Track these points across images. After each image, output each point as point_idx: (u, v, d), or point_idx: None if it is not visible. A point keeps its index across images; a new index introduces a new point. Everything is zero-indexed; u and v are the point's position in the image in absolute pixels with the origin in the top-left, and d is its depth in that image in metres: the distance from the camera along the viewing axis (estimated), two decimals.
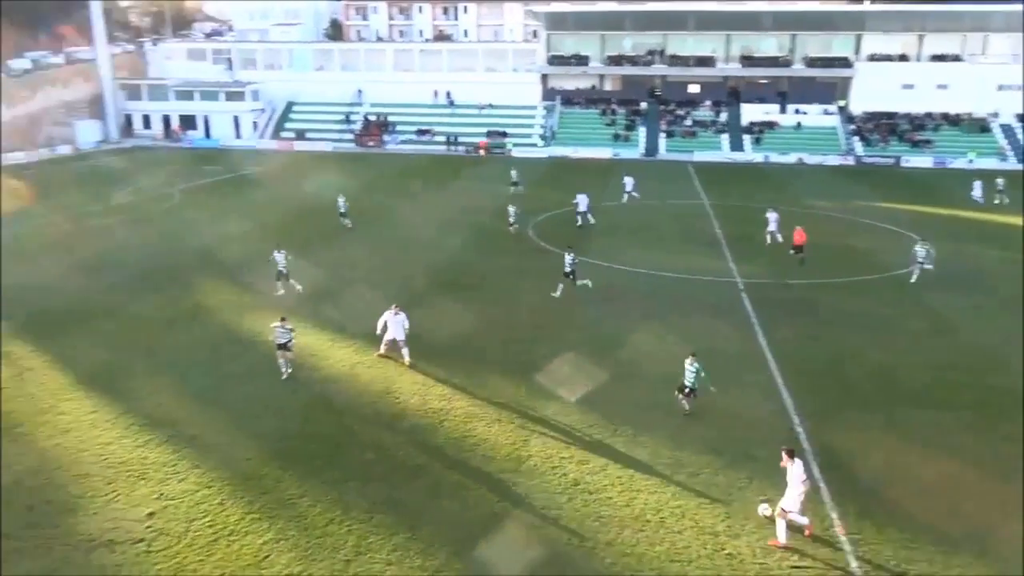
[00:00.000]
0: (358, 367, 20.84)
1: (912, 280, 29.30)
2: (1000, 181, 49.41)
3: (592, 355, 21.69)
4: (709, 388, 18.03)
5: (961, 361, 22.03)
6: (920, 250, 29.81)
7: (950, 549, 13.23)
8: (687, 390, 18.09)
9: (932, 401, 19.27)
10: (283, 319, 20.40)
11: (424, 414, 18.12)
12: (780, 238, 34.90)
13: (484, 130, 78.04)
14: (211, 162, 65.79)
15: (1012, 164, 69.32)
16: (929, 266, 29.51)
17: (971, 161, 68.19)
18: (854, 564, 12.83)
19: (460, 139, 76.77)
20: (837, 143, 73.82)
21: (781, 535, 13.35)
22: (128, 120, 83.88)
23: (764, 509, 14.14)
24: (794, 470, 13.55)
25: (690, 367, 17.94)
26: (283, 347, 20.01)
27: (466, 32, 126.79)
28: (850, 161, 70.47)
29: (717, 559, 12.94)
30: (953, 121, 74.73)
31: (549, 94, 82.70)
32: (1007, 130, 73.19)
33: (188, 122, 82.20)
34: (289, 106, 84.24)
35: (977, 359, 22.25)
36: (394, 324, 21.04)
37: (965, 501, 14.74)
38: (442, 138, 77.19)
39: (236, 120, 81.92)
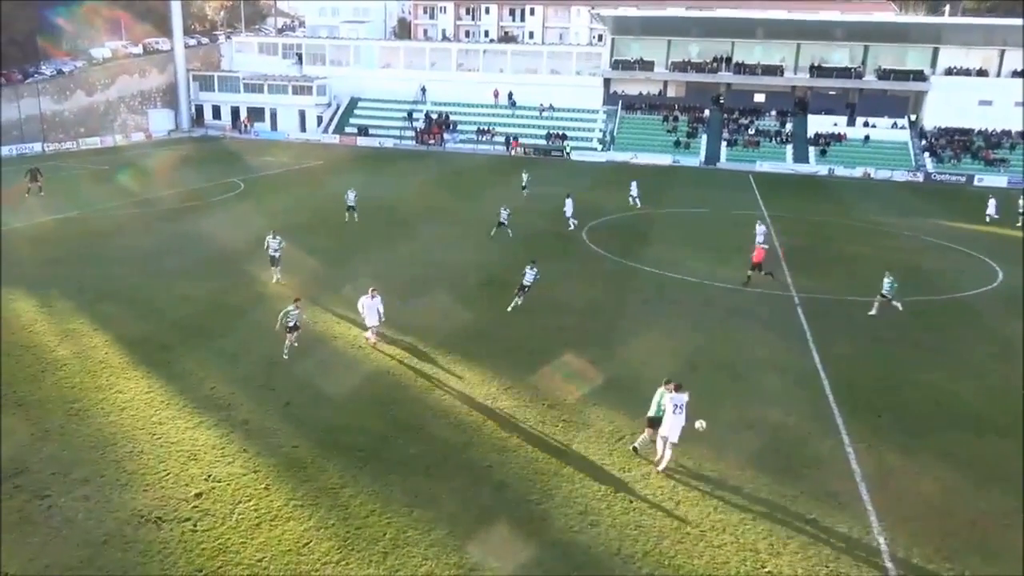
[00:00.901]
0: (407, 362, 21.08)
1: (871, 312, 26.47)
2: (1022, 201, 46.96)
3: (639, 362, 21.49)
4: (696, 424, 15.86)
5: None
6: (885, 281, 26.52)
7: None
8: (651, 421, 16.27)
9: (991, 428, 18.56)
10: (297, 300, 21.39)
11: (469, 412, 18.23)
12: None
13: (544, 132, 78.13)
14: (276, 153, 67.41)
15: None
16: (897, 304, 26.36)
17: None
18: None
19: (520, 140, 76.96)
20: (907, 158, 71.65)
21: (666, 454, 15.61)
22: (199, 111, 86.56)
23: (700, 425, 15.55)
24: (676, 400, 15.36)
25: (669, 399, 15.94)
26: (292, 329, 20.82)
27: (531, 34, 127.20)
28: (919, 178, 68.33)
29: None
30: None
31: (611, 98, 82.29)
32: None
33: (256, 114, 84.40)
34: (353, 102, 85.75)
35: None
36: (369, 308, 21.57)
37: (1020, 535, 14.15)
38: (501, 139, 77.48)
39: (302, 114, 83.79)
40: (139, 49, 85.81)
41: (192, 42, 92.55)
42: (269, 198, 46.17)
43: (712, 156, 73.63)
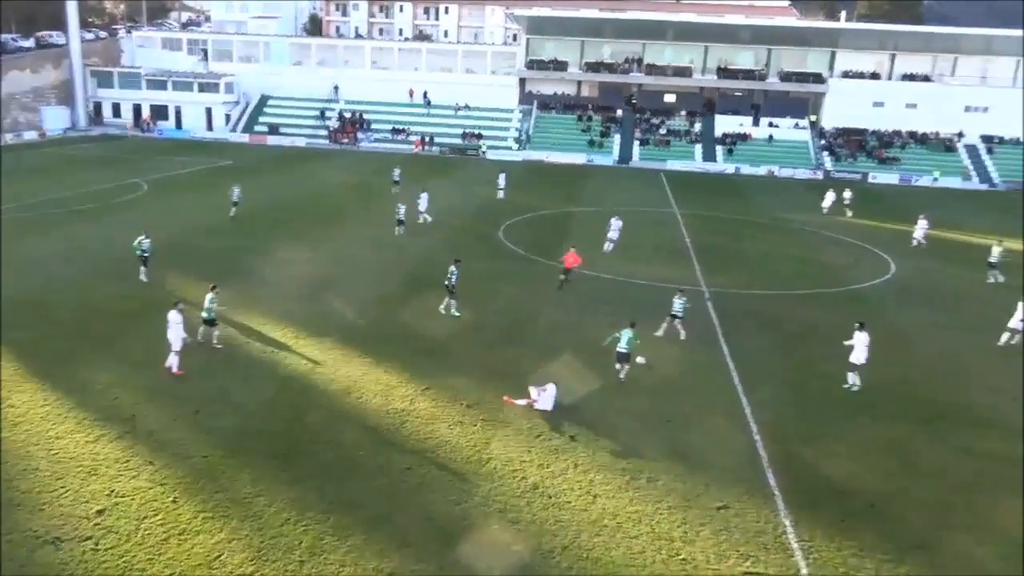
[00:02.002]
0: (321, 365, 20.68)
1: (659, 334, 24.18)
2: (847, 194, 50.15)
3: (557, 360, 21.73)
4: (636, 359, 20.55)
5: (916, 376, 22.45)
6: (677, 302, 24.16)
7: (897, 558, 13.46)
8: (621, 355, 20.28)
9: (888, 413, 19.61)
10: (214, 288, 21.13)
11: (386, 414, 18.03)
12: (611, 247, 34.81)
13: (459, 131, 78.06)
14: (182, 153, 65.00)
15: (975, 184, 70.92)
16: (680, 315, 24.02)
17: (935, 180, 69.62)
18: (805, 571, 13.01)
19: (435, 139, 76.64)
20: (808, 157, 74.92)
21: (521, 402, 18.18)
22: (97, 108, 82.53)
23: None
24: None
25: (628, 333, 20.28)
26: (210, 323, 20.82)
27: (446, 33, 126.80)
28: (819, 175, 71.54)
29: (672, 564, 13.03)
30: (920, 140, 76.27)
31: (527, 98, 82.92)
32: (971, 151, 74.82)
33: (159, 112, 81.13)
34: (264, 100, 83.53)
35: (931, 374, 22.70)
36: (173, 326, 19.31)
37: (914, 511, 15.02)
38: (416, 138, 76.96)
39: (209, 112, 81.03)
40: (31, 43, 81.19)
41: (90, 36, 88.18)
42: (175, 199, 44.46)
43: (625, 155, 75.15)
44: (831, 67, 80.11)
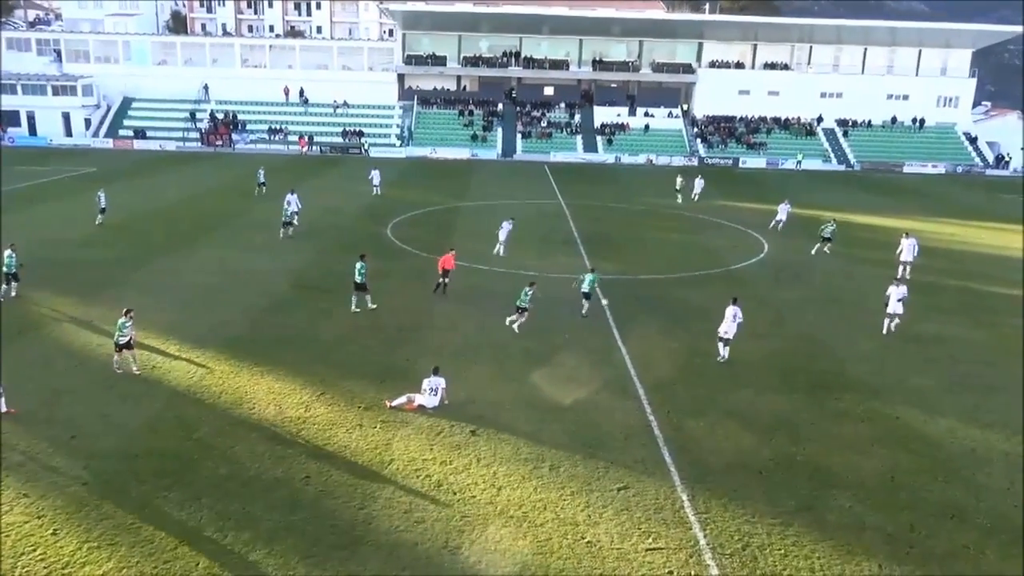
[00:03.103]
0: (208, 377, 19.81)
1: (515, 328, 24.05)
2: (679, 179, 52.37)
3: (454, 355, 21.72)
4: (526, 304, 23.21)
5: (793, 348, 23.86)
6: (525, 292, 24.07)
7: (786, 521, 14.27)
8: (584, 294, 23.84)
9: (770, 385, 20.74)
10: (129, 312, 19.62)
11: (281, 424, 17.49)
12: (502, 250, 33.92)
13: (339, 129, 76.49)
14: (38, 161, 60.48)
15: (835, 166, 75.86)
16: (528, 306, 23.76)
17: (799, 163, 73.93)
18: (703, 541, 13.58)
19: (316, 138, 74.73)
20: (682, 144, 77.93)
21: (398, 401, 18.28)
22: None
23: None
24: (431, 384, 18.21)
25: (589, 276, 24.28)
26: (125, 347, 19.49)
27: (319, 29, 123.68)
28: (694, 162, 74.57)
29: (578, 548, 13.30)
30: (783, 125, 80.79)
31: (407, 94, 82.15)
32: (829, 134, 79.98)
33: (10, 119, 75.14)
34: (127, 102, 78.91)
35: (806, 345, 24.17)
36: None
37: (798, 476, 15.97)
38: (295, 137, 74.80)
39: (66, 116, 75.81)
40: None
41: None
42: (36, 211, 41.34)
43: (509, 148, 75.80)
44: (699, 58, 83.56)
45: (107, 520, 13.53)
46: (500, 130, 77.94)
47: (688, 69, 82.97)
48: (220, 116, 77.15)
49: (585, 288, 25.25)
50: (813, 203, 51.29)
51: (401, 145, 75.33)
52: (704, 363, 22.18)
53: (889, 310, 25.11)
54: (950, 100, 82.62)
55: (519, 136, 77.58)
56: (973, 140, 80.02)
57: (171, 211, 42.12)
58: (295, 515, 13.91)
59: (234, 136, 75.10)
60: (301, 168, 60.85)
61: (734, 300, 22.51)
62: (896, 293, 25.04)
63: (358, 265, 25.42)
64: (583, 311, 25.37)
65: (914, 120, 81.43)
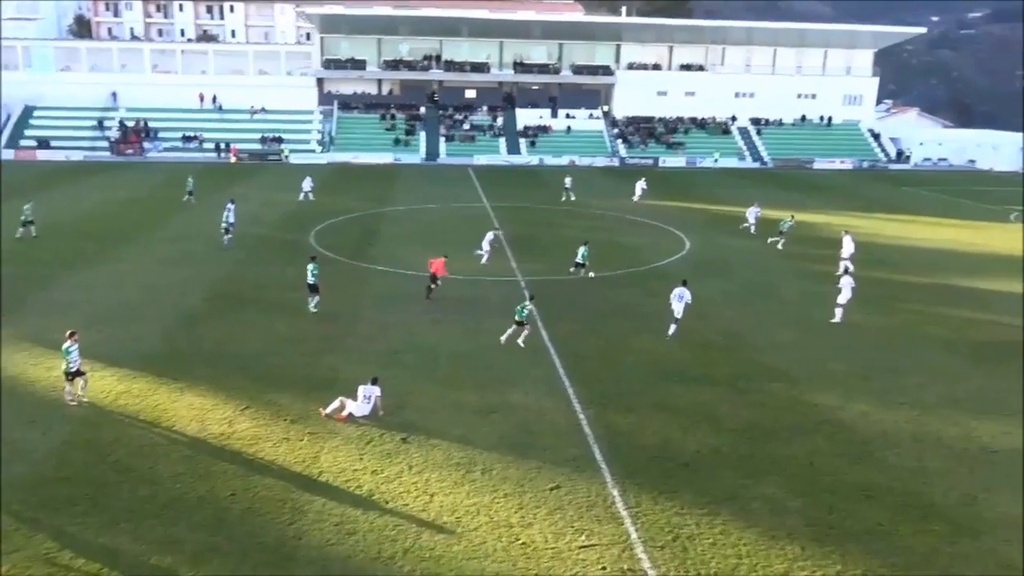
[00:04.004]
0: (123, 397, 19.03)
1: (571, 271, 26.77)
2: (568, 180, 53.14)
3: (382, 363, 21.47)
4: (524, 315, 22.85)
5: (715, 340, 24.53)
6: (580, 250, 30.39)
7: (713, 511, 14.65)
8: (517, 323, 22.81)
9: (694, 378, 21.26)
10: (73, 335, 18.48)
11: (203, 441, 16.95)
12: (485, 258, 33.92)
13: (257, 136, 74.67)
14: None
15: (750, 163, 78.36)
16: (526, 320, 23.43)
17: (716, 161, 76.07)
18: (634, 536, 13.81)
19: (231, 145, 72.68)
20: (604, 145, 79.14)
21: (331, 407, 18.00)
22: None
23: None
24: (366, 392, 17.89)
25: (528, 305, 23.12)
26: (75, 375, 18.31)
27: (233, 33, 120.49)
28: (615, 162, 75.84)
29: (512, 550, 13.33)
30: (700, 125, 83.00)
31: (327, 98, 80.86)
32: (743, 132, 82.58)
33: None
34: (28, 111, 75.10)
35: (727, 338, 24.88)
36: None
37: (723, 466, 16.42)
38: (211, 145, 72.66)
39: None
40: None
41: None
42: None
43: (432, 152, 75.49)
44: (617, 60, 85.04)
45: (18, 552, 12.83)
46: (423, 134, 77.55)
47: (607, 71, 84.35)
48: (130, 124, 74.29)
49: (518, 316, 23.07)
50: (731, 200, 52.85)
51: (322, 150, 74.10)
52: (630, 359, 22.57)
53: (839, 300, 26.52)
54: (855, 99, 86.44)
55: (442, 139, 77.36)
56: (877, 136, 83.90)
57: (81, 224, 40.32)
58: (221, 534, 13.50)
59: (146, 145, 72.43)
60: (218, 175, 59.11)
61: (684, 282, 24.94)
62: (847, 285, 26.51)
63: (310, 267, 25.80)
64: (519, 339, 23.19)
65: (822, 118, 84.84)
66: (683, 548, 13.49)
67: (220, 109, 77.56)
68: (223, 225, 36.01)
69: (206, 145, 72.76)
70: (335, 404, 18.15)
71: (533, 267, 32.96)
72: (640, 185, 52.73)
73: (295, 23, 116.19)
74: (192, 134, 73.89)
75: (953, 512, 14.85)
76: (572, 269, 31.48)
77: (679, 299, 24.45)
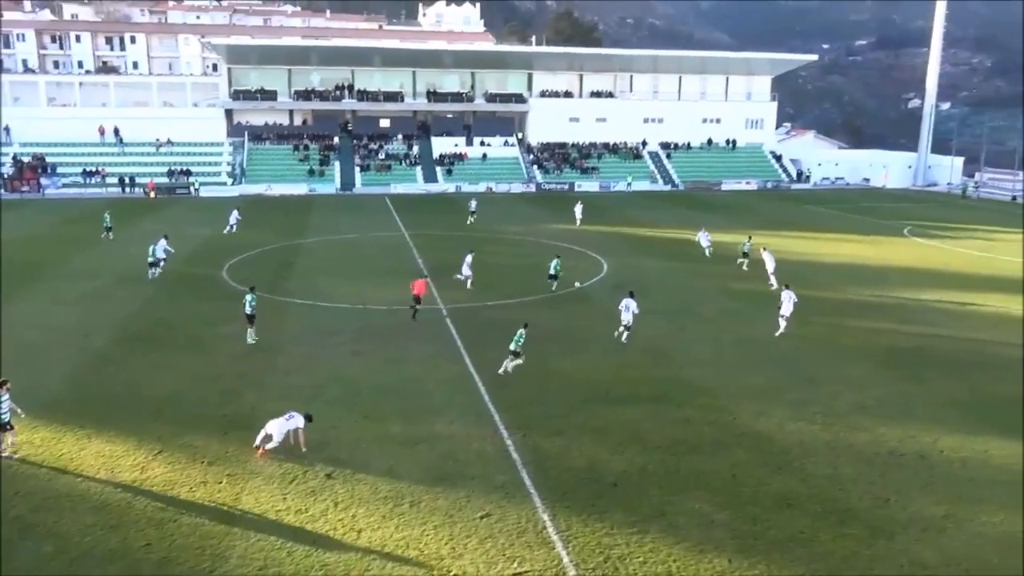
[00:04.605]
0: (25, 447, 17.87)
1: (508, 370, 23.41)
2: (472, 203, 55.53)
3: (302, 398, 20.89)
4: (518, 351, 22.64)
5: (638, 359, 24.94)
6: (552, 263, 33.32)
7: (643, 529, 14.80)
8: (513, 353, 22.58)
9: (619, 398, 21.53)
10: (5, 384, 17.38)
11: (114, 490, 16.06)
12: (468, 282, 34.51)
13: (164, 169, 72.26)
14: None
15: (661, 186, 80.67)
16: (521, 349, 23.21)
17: (629, 184, 77.96)
18: (566, 559, 13.79)
19: (137, 180, 70.08)
20: (520, 172, 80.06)
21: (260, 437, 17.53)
22: None
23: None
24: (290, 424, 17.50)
25: (521, 333, 22.71)
26: (5, 427, 17.22)
27: (136, 64, 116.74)
28: (532, 188, 76.78)
29: None
30: (612, 150, 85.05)
31: (236, 130, 79.12)
32: (654, 156, 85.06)
33: None
34: None
35: (650, 356, 25.36)
36: None
37: (651, 484, 16.64)
38: (115, 179, 69.88)
39: None
40: None
41: None
42: None
43: (348, 182, 74.70)
44: (530, 87, 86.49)
45: None
46: (337, 164, 76.70)
47: (520, 99, 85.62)
48: (26, 159, 70.75)
49: (512, 345, 22.73)
50: (646, 222, 54.21)
51: (233, 183, 72.30)
52: (555, 382, 22.70)
53: (782, 312, 27.53)
54: (756, 122, 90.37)
55: (357, 169, 76.67)
56: (778, 158, 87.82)
57: None
58: None
59: (43, 181, 69.06)
60: (125, 210, 56.78)
61: (630, 294, 26.78)
62: (787, 298, 27.49)
63: (248, 297, 25.83)
64: (507, 368, 22.98)
65: (727, 141, 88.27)
66: (614, 568, 13.55)
67: (120, 142, 74.72)
68: (150, 259, 35.12)
69: (109, 180, 69.90)
70: (261, 435, 17.67)
71: (454, 295, 32.86)
72: (579, 209, 53.86)
73: (201, 54, 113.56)
74: (94, 168, 70.88)
75: (868, 515, 15.45)
76: (549, 280, 33.67)
77: (626, 309, 26.21)
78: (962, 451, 18.41)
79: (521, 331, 22.91)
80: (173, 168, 72.36)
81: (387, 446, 18.30)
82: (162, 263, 35.82)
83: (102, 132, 74.97)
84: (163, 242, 36.93)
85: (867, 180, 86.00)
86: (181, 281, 34.97)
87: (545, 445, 18.47)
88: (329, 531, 14.62)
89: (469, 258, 34.39)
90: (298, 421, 17.66)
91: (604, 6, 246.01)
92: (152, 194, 67.58)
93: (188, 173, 72.01)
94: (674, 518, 15.22)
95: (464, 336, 26.92)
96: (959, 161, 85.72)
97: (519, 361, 22.89)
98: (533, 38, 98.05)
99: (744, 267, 38.98)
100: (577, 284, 34.49)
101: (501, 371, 22.84)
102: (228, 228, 48.29)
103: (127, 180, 69.53)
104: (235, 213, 49.47)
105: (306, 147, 78.29)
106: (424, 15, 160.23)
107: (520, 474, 16.96)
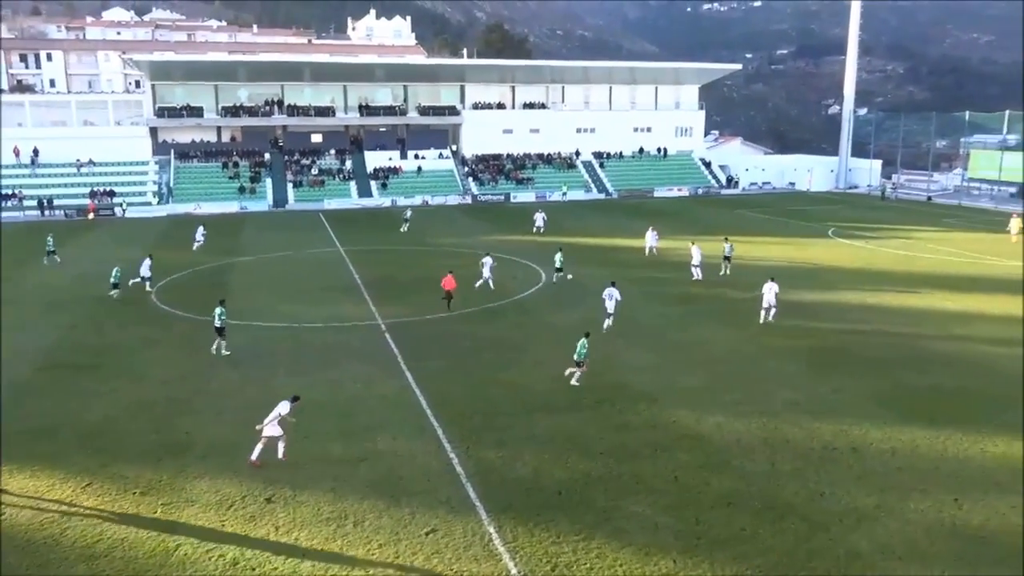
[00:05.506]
0: None
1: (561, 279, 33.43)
2: (408, 211, 57.79)
3: (238, 420, 20.34)
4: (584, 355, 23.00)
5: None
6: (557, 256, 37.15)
7: (588, 535, 14.87)
8: (577, 362, 22.93)
9: (560, 406, 21.64)
10: None
11: (40, 526, 15.34)
12: (490, 284, 35.63)
13: (87, 190, 69.69)
14: None
15: (595, 194, 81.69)
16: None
17: (564, 194, 78.70)
18: (514, 571, 13.76)
19: (56, 202, 67.37)
20: (455, 184, 79.96)
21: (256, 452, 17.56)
22: None
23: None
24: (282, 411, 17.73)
25: (583, 342, 23.01)
26: None
27: (53, 82, 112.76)
28: (468, 200, 76.79)
29: None
30: (547, 160, 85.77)
31: (162, 148, 76.92)
32: (588, 166, 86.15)
33: None
34: None
35: (590, 363, 25.52)
36: None
37: (594, 490, 16.74)
38: (33, 202, 67.08)
39: None
40: None
41: None
42: None
43: (280, 199, 73.37)
44: (463, 100, 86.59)
45: None
46: (269, 180, 75.25)
47: (453, 111, 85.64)
48: None
49: (576, 356, 22.99)
50: (581, 231, 54.80)
51: (160, 202, 70.24)
52: (497, 392, 22.69)
53: (764, 303, 29.63)
54: (686, 130, 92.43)
55: (290, 185, 75.37)
56: (708, 165, 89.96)
57: None
58: None
59: None
60: (42, 235, 54.54)
61: (612, 283, 29.19)
62: (769, 288, 29.49)
63: (217, 310, 26.09)
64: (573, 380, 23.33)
65: (658, 150, 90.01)
66: None
67: (33, 163, 71.77)
68: (112, 280, 35.08)
69: (27, 203, 67.05)
70: (257, 448, 17.76)
71: (393, 309, 32.57)
72: (541, 217, 54.87)
73: (122, 71, 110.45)
74: (10, 191, 67.89)
75: (805, 509, 15.88)
76: (555, 276, 37.30)
77: (610, 297, 28.44)
78: (891, 443, 19.11)
79: (583, 340, 23.16)
80: (96, 188, 69.86)
81: (328, 466, 17.97)
82: (148, 281, 36.32)
83: (17, 153, 71.87)
84: (148, 261, 36.87)
85: (792, 184, 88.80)
86: (106, 307, 33.75)
87: (489, 457, 18.42)
88: (271, 557, 14.25)
89: (490, 261, 36.42)
90: (282, 408, 17.88)
91: (534, 18, 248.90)
92: (91, 215, 65.37)
93: (112, 194, 69.60)
94: (619, 523, 15.35)
95: (404, 351, 26.68)
96: (877, 164, 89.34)
97: (582, 371, 23.23)
98: (464, 51, 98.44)
99: (727, 272, 39.53)
100: (569, 277, 37.78)
101: (574, 382, 23.10)
102: (196, 244, 48.20)
103: (45, 202, 66.80)
104: (200, 229, 49.75)
105: (236, 164, 76.61)
106: (354, 29, 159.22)
107: (464, 487, 16.86)
